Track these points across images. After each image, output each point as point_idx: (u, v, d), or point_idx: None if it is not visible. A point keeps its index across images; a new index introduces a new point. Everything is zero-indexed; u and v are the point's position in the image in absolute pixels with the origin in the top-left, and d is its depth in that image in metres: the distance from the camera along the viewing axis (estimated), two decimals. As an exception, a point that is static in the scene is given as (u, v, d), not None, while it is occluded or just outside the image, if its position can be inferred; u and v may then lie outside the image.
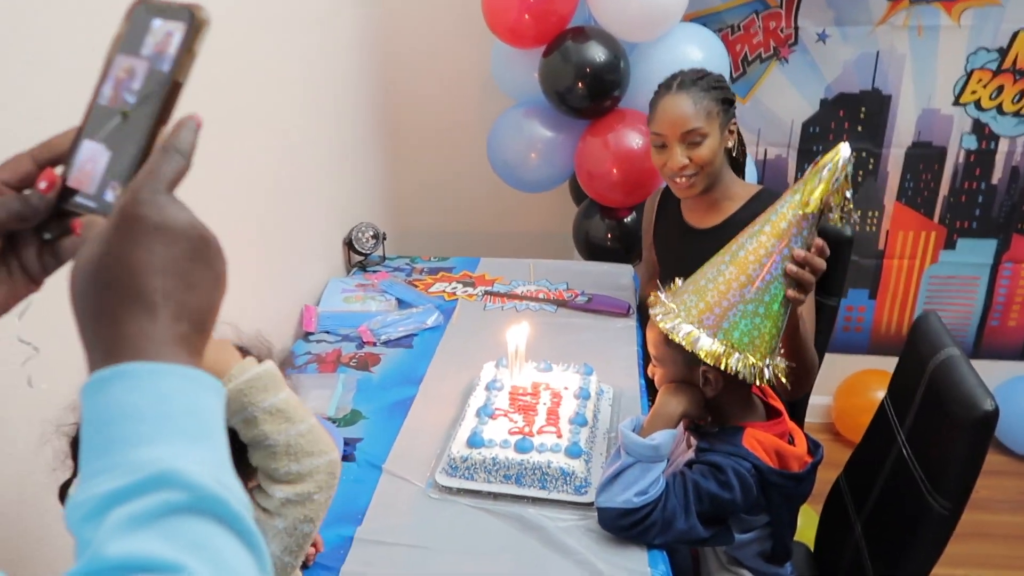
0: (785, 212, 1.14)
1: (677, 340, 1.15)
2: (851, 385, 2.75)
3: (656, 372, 1.24)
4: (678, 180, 1.60)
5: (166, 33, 0.49)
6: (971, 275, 2.64)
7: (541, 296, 2.01)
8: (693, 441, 1.24)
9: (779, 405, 1.25)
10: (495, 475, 1.28)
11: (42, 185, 0.50)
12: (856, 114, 2.47)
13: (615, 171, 2.11)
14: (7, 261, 0.53)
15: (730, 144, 1.61)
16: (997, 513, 2.36)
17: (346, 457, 1.39)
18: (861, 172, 2.54)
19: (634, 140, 2.08)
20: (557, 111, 2.15)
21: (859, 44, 2.38)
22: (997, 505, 2.39)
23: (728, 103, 1.59)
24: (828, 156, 1.11)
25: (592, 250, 2.35)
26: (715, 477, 1.13)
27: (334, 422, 1.48)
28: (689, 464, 1.18)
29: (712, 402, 1.20)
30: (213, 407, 0.44)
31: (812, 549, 1.56)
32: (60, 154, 0.53)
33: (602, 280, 2.12)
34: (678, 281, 1.24)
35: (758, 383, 1.16)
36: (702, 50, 2.08)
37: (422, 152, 2.76)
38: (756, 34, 2.39)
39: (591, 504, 1.23)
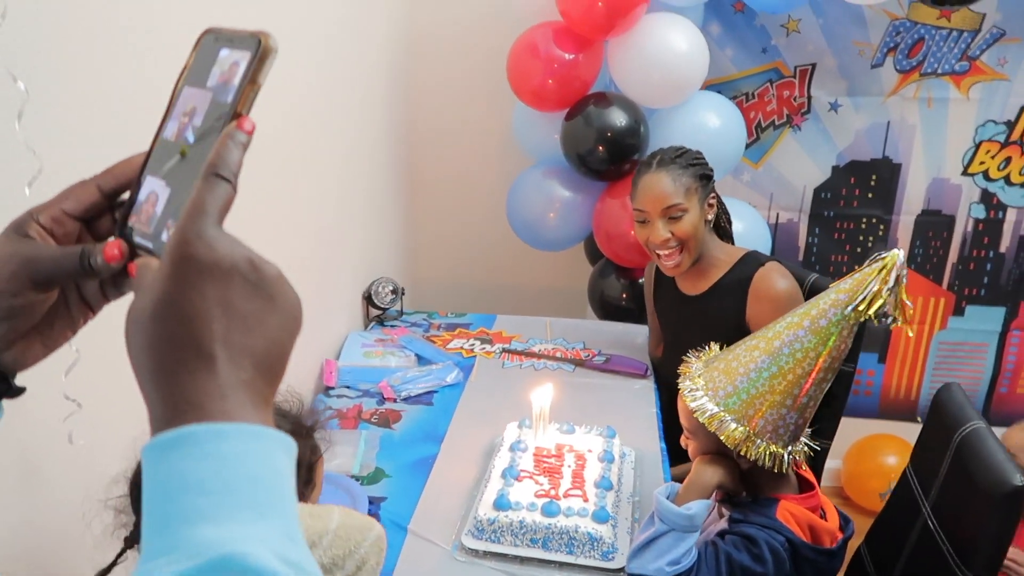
0: (825, 309, 1.14)
1: (702, 420, 1.17)
2: (861, 449, 2.75)
3: (690, 443, 1.26)
4: (662, 253, 1.66)
5: (232, 63, 0.46)
6: (980, 342, 2.67)
7: (559, 355, 2.02)
8: (724, 511, 1.24)
9: (811, 478, 1.26)
10: (522, 538, 1.27)
11: (114, 252, 0.46)
12: (867, 181, 2.52)
13: (633, 233, 2.14)
14: (66, 291, 0.52)
15: (710, 216, 1.68)
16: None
17: (370, 516, 1.38)
18: (871, 238, 2.58)
19: (652, 203, 2.12)
20: (577, 172, 2.20)
21: (870, 114, 2.44)
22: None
23: (706, 178, 1.66)
24: (883, 262, 1.09)
25: (607, 309, 2.37)
26: (748, 550, 1.14)
27: (358, 480, 1.48)
28: (721, 534, 1.18)
29: (746, 473, 1.21)
30: (280, 467, 0.40)
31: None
32: (125, 182, 0.50)
33: (618, 340, 2.14)
34: (715, 347, 1.26)
35: (776, 470, 1.17)
36: (719, 117, 2.14)
37: (441, 207, 2.81)
38: (770, 102, 2.46)
39: (619, 571, 1.23)
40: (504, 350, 2.05)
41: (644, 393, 1.85)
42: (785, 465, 1.15)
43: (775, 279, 1.62)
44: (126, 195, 0.50)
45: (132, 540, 0.86)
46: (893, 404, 2.80)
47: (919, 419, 2.83)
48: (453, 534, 1.33)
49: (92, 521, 0.90)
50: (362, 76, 2.25)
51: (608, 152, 2.09)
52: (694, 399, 1.18)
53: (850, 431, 2.72)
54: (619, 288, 2.33)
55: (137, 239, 0.47)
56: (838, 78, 2.41)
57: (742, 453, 1.15)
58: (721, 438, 1.15)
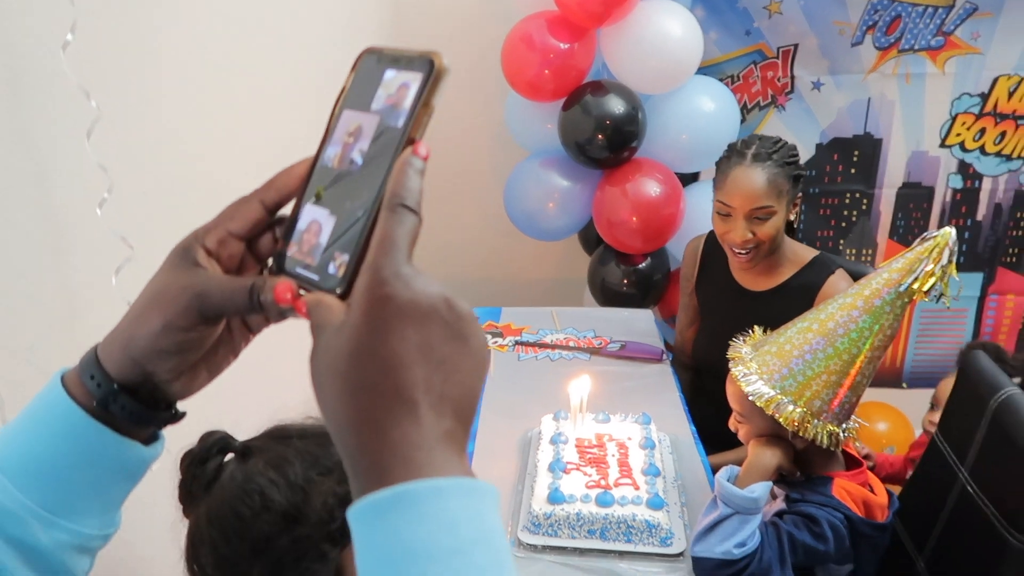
0: (879, 288, 1.16)
1: (759, 404, 1.18)
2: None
3: (741, 427, 1.27)
4: (739, 252, 1.60)
5: (400, 85, 0.43)
6: (960, 307, 2.76)
7: (572, 344, 2.03)
8: (778, 492, 1.27)
9: (856, 454, 1.29)
10: (579, 530, 1.28)
11: (286, 295, 0.43)
12: (850, 157, 2.58)
13: (635, 219, 2.16)
14: (230, 318, 0.50)
15: (792, 217, 1.61)
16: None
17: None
18: (855, 213, 2.64)
19: (652, 189, 2.14)
20: (574, 161, 2.20)
21: (852, 91, 2.49)
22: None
23: (798, 179, 1.57)
24: (935, 241, 1.11)
25: (608, 295, 2.39)
26: (809, 528, 1.16)
27: (400, 483, 1.47)
28: (780, 514, 1.21)
29: (798, 453, 1.23)
30: (496, 524, 0.38)
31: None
32: (289, 194, 0.48)
33: (624, 326, 2.15)
34: (758, 330, 1.28)
35: (832, 448, 1.20)
36: (714, 101, 2.17)
37: (435, 201, 2.77)
38: (755, 83, 2.49)
39: (678, 555, 1.25)
40: (517, 343, 2.05)
41: (663, 378, 1.87)
42: (841, 442, 1.18)
43: (844, 287, 1.62)
44: (287, 210, 0.48)
45: None
46: (879, 372, 2.88)
47: (904, 385, 2.93)
48: (507, 530, 1.33)
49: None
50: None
51: (607, 140, 2.10)
52: (749, 383, 1.19)
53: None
54: (620, 274, 2.35)
55: (299, 271, 0.44)
56: (820, 57, 2.46)
57: (800, 434, 1.17)
58: (779, 420, 1.17)
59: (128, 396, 0.47)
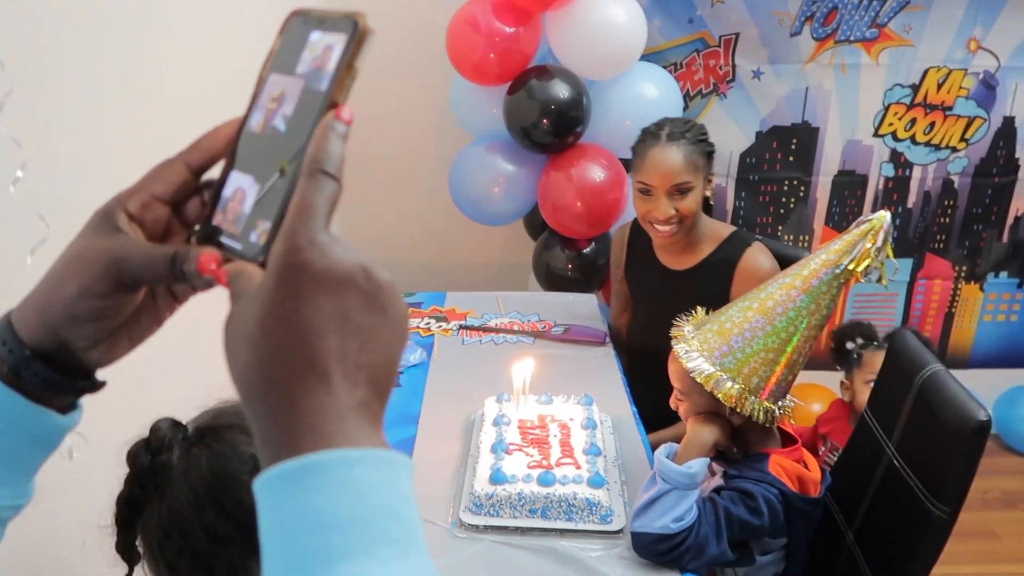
0: (817, 269, 1.20)
1: (699, 380, 1.21)
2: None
3: (681, 405, 1.30)
4: (661, 228, 1.66)
5: (325, 47, 0.42)
6: (891, 292, 2.86)
7: (516, 328, 2.04)
8: (716, 468, 1.30)
9: (791, 431, 1.33)
10: (520, 510, 1.29)
11: (210, 265, 0.42)
12: (788, 145, 2.64)
13: (579, 204, 2.17)
14: (154, 286, 0.48)
15: (708, 193, 1.69)
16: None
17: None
18: (793, 200, 2.71)
19: (596, 174, 2.16)
20: (520, 146, 2.21)
21: (790, 81, 2.55)
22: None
23: (710, 155, 1.66)
24: (871, 224, 1.15)
25: (552, 280, 2.41)
26: (745, 504, 1.19)
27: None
28: (717, 490, 1.24)
29: (736, 429, 1.27)
30: (409, 495, 0.37)
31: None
32: (214, 156, 0.46)
33: (568, 310, 2.17)
34: (701, 311, 1.31)
35: (768, 425, 1.24)
36: (657, 87, 2.19)
37: (379, 187, 2.75)
38: (697, 71, 2.53)
39: (618, 532, 1.27)
40: (461, 327, 2.05)
41: (606, 360, 1.90)
42: (776, 419, 1.22)
43: (761, 260, 1.67)
44: (214, 173, 0.46)
45: (126, 557, 0.83)
46: (815, 354, 2.96)
47: (838, 367, 3.02)
48: (449, 511, 1.34)
49: (92, 538, 0.85)
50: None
51: (552, 125, 2.11)
52: (690, 360, 1.22)
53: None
54: (564, 259, 2.37)
55: (224, 240, 0.43)
56: (760, 47, 2.51)
57: (738, 410, 1.20)
58: (718, 396, 1.20)
59: (42, 363, 0.46)
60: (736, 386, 1.20)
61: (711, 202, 1.78)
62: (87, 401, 0.50)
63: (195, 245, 0.44)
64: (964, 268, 2.82)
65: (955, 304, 2.87)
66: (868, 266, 1.15)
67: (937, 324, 2.91)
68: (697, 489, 1.20)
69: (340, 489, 0.35)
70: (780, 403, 1.24)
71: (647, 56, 2.46)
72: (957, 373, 2.93)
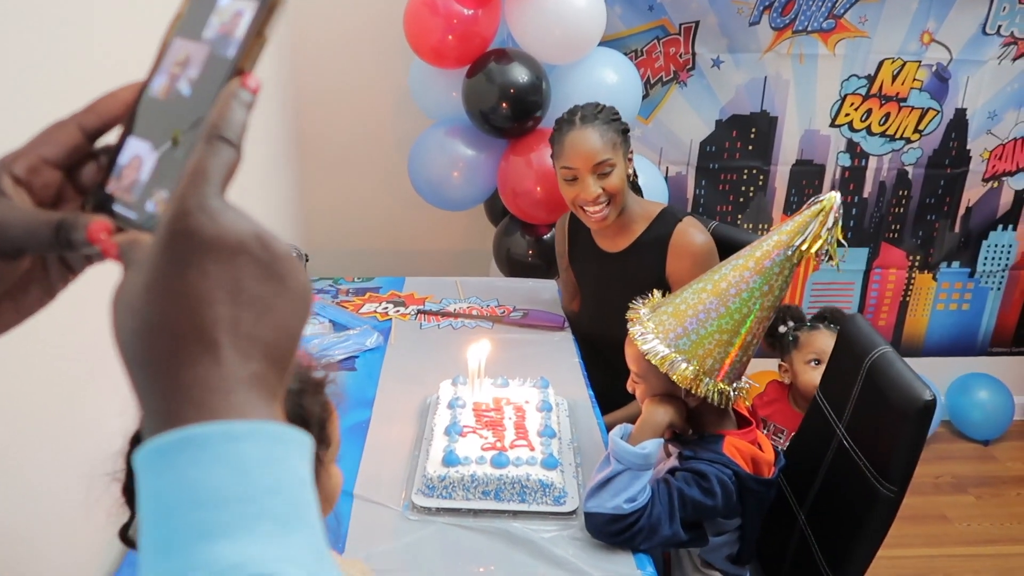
0: (769, 250, 1.20)
1: (654, 362, 1.21)
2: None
3: (637, 387, 1.30)
4: (590, 210, 1.69)
5: (235, 13, 0.41)
6: (847, 280, 2.90)
7: (475, 313, 2.03)
8: (672, 450, 1.30)
9: (746, 413, 1.34)
10: (473, 492, 1.28)
11: (100, 235, 0.39)
12: (747, 134, 2.66)
13: (538, 189, 2.17)
14: (44, 255, 0.45)
15: (631, 170, 1.72)
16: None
17: (313, 485, 1.35)
18: (752, 188, 2.73)
19: (556, 159, 2.15)
20: (479, 130, 2.19)
21: (749, 70, 2.57)
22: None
23: (626, 132, 1.69)
24: (821, 205, 1.16)
25: (513, 266, 2.40)
26: (699, 484, 1.20)
27: (294, 450, 1.44)
28: (672, 471, 1.24)
29: (691, 412, 1.27)
30: (301, 473, 0.36)
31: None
32: (111, 120, 0.44)
33: (528, 296, 2.16)
34: (657, 294, 1.31)
35: (723, 406, 1.25)
36: (617, 73, 2.19)
37: (336, 171, 2.72)
38: (658, 59, 2.53)
39: (571, 513, 1.27)
40: (419, 311, 2.03)
41: (564, 344, 1.89)
42: (731, 400, 1.22)
43: (693, 234, 1.69)
44: (114, 134, 0.44)
45: (131, 501, 0.80)
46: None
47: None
48: (402, 494, 1.32)
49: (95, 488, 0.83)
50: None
51: (511, 109, 2.10)
52: (645, 342, 1.22)
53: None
54: (524, 245, 2.36)
55: (118, 209, 0.41)
56: (719, 36, 2.52)
57: (692, 391, 1.20)
58: (673, 378, 1.20)
59: None
60: (691, 367, 1.20)
61: (636, 181, 1.83)
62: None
63: (85, 213, 0.42)
64: (918, 257, 2.87)
65: (909, 293, 2.92)
66: (820, 247, 1.15)
67: (892, 313, 2.96)
68: (651, 470, 1.20)
69: (221, 464, 0.33)
70: (735, 384, 1.24)
71: (608, 42, 2.45)
72: (911, 361, 2.99)
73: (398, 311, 2.04)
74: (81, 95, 0.46)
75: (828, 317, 1.94)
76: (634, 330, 1.26)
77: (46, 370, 1.02)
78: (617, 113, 1.70)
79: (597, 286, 1.87)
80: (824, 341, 1.85)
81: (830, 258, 1.17)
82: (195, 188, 0.36)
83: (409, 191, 2.41)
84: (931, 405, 1.21)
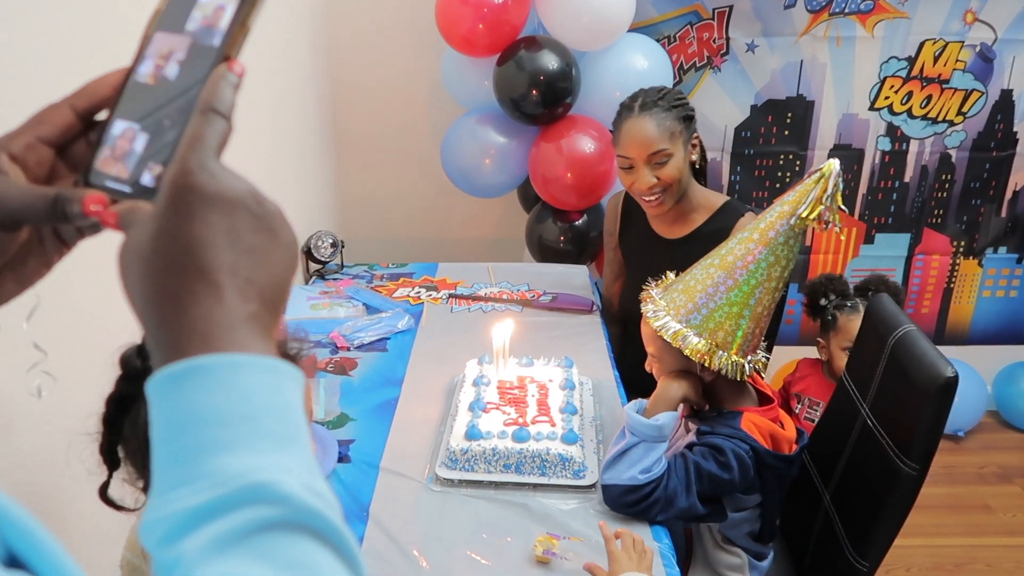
0: (773, 221, 1.21)
1: (667, 338, 1.23)
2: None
3: (654, 366, 1.32)
4: (648, 199, 1.66)
5: (217, 7, 0.45)
6: (888, 267, 2.84)
7: (505, 297, 2.06)
8: (692, 426, 1.32)
9: (770, 392, 1.35)
10: (495, 465, 1.32)
11: (96, 207, 0.43)
12: (783, 119, 2.63)
13: (569, 175, 2.18)
14: (39, 228, 0.48)
15: (694, 158, 1.68)
16: (925, 486, 2.54)
17: (342, 459, 1.40)
18: (789, 174, 2.70)
19: (586, 145, 2.17)
20: (510, 118, 2.22)
21: (785, 54, 2.54)
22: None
23: (689, 119, 1.64)
24: (820, 172, 1.16)
25: (545, 252, 2.42)
26: (715, 458, 1.21)
27: (324, 425, 1.49)
28: (690, 446, 1.25)
29: (709, 388, 1.28)
30: (295, 401, 0.40)
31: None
32: (101, 101, 0.47)
33: (559, 281, 2.18)
34: (671, 275, 1.32)
35: (739, 379, 1.25)
36: (647, 59, 2.19)
37: (371, 161, 2.78)
38: (691, 44, 2.52)
39: (590, 487, 1.29)
40: (451, 295, 2.07)
41: (592, 327, 1.91)
42: (746, 373, 1.23)
43: None
44: (102, 115, 0.48)
45: (108, 460, 0.85)
46: (812, 331, 2.96)
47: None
48: (426, 467, 1.36)
49: (70, 464, 0.88)
50: (280, 32, 2.19)
51: (541, 96, 2.12)
52: (657, 319, 1.23)
53: (774, 358, 2.88)
54: (556, 231, 2.38)
55: (110, 183, 0.45)
56: (754, 20, 2.50)
57: (706, 364, 1.21)
58: (685, 352, 1.21)
59: None
60: (703, 341, 1.21)
61: (700, 167, 1.78)
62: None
63: (79, 187, 0.46)
64: (962, 243, 2.80)
65: (953, 280, 2.86)
66: (820, 214, 1.16)
67: (935, 300, 2.89)
68: (665, 442, 1.21)
69: (225, 389, 0.37)
70: (750, 358, 1.25)
71: (640, 29, 2.46)
72: (955, 349, 2.93)
73: (430, 295, 2.08)
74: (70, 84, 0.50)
75: (872, 288, 1.92)
76: (646, 309, 1.27)
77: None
78: (682, 97, 1.65)
79: (647, 270, 1.83)
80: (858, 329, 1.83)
81: (829, 224, 1.17)
82: (195, 151, 0.40)
83: (443, 180, 2.45)
84: (953, 382, 1.20)
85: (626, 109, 1.64)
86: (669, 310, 1.25)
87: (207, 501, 0.35)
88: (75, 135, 0.48)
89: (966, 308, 2.91)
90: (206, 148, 0.40)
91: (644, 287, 1.36)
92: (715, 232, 1.68)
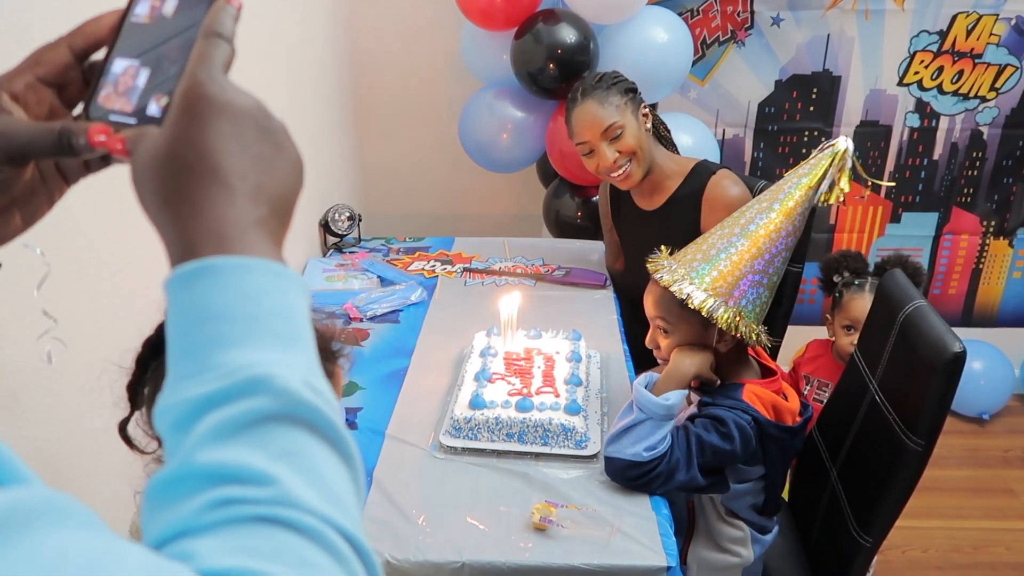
0: (794, 193, 1.23)
1: (693, 307, 1.21)
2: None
3: (662, 340, 1.30)
4: (615, 175, 1.70)
5: None
6: (915, 247, 2.79)
7: (519, 271, 2.06)
8: (694, 398, 1.31)
9: (772, 365, 1.34)
10: (498, 434, 1.33)
11: (101, 137, 0.44)
12: (809, 94, 2.58)
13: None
14: (40, 164, 0.50)
15: (648, 126, 1.71)
16: (946, 469, 2.52)
17: (349, 426, 1.42)
18: (813, 151, 2.65)
19: (604, 119, 2.15)
20: (528, 92, 2.21)
21: (811, 27, 2.49)
22: (945, 461, 2.54)
23: (631, 91, 1.68)
24: (835, 151, 1.22)
25: (562, 228, 2.41)
26: (717, 430, 1.20)
27: (333, 392, 1.51)
28: (691, 418, 1.25)
29: (716, 361, 1.27)
30: (300, 306, 0.42)
31: (786, 500, 1.66)
32: (98, 40, 0.48)
33: (574, 256, 2.18)
34: (665, 251, 1.32)
35: (755, 346, 1.25)
36: (667, 32, 2.16)
37: (392, 135, 2.79)
38: (715, 18, 2.49)
39: (592, 457, 1.30)
40: (465, 269, 2.08)
41: (604, 302, 1.91)
42: (760, 338, 1.22)
43: (727, 186, 1.68)
44: (99, 56, 0.49)
45: (132, 399, 0.87)
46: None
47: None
48: (430, 435, 1.38)
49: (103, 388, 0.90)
50: (300, 6, 2.20)
51: (559, 70, 2.10)
52: (681, 291, 1.21)
53: (796, 338, 2.85)
54: (574, 207, 2.37)
55: (112, 117, 0.46)
56: (779, -8, 2.45)
57: (732, 334, 1.21)
58: (716, 321, 1.19)
59: None
60: (730, 310, 1.20)
61: (668, 136, 1.81)
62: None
63: (83, 120, 0.47)
64: (992, 223, 2.74)
65: (983, 260, 2.80)
66: (839, 195, 1.19)
67: (963, 281, 2.84)
68: (672, 421, 1.21)
69: (234, 289, 0.40)
70: (763, 328, 1.25)
71: (663, 3, 2.43)
72: (984, 332, 2.88)
73: (445, 269, 2.09)
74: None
75: (891, 268, 1.89)
76: (660, 275, 1.25)
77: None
78: (619, 75, 1.70)
79: (639, 245, 1.86)
80: (860, 308, 1.80)
81: (842, 199, 1.20)
82: (203, 66, 0.42)
83: (462, 155, 2.45)
84: (960, 357, 1.18)
85: (570, 101, 1.70)
86: (692, 279, 1.23)
87: (212, 391, 0.38)
88: (72, 75, 0.49)
89: (995, 289, 2.85)
90: (214, 64, 0.42)
91: (644, 261, 1.36)
92: (689, 196, 1.73)
